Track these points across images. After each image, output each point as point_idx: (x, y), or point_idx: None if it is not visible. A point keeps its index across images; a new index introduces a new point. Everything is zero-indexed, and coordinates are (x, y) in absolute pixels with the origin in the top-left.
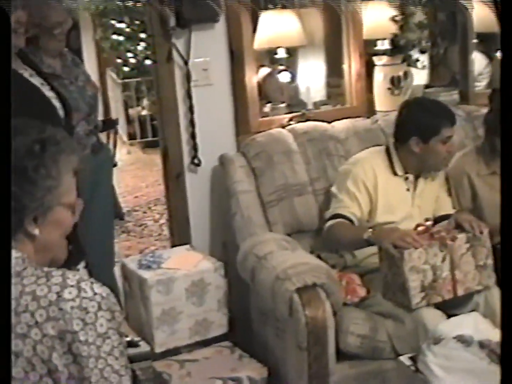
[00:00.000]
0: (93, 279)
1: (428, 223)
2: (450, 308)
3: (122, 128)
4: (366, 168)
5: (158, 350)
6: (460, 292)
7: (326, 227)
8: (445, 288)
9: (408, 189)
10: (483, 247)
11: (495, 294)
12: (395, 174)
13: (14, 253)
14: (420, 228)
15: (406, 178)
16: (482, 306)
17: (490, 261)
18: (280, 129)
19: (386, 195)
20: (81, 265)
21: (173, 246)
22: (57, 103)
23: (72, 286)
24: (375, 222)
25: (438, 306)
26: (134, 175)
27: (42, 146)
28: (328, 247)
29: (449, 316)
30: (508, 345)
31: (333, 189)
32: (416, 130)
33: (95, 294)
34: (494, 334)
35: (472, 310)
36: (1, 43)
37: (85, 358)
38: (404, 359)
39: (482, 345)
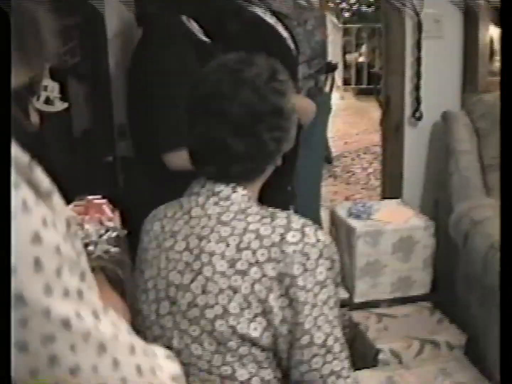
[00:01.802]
0: (317, 226)
1: None
2: None
3: (338, 73)
4: None
5: (357, 300)
6: None
7: None
8: None
9: None
10: None
11: None
12: None
13: (241, 191)
14: None
15: None
16: None
17: None
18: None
19: None
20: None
21: (383, 198)
22: (291, 44)
23: (296, 229)
24: None
25: None
26: (346, 121)
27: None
28: None
29: None
30: (508, 345)
31: None
32: None
33: (318, 240)
34: None
35: None
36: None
37: (301, 303)
38: None
39: None
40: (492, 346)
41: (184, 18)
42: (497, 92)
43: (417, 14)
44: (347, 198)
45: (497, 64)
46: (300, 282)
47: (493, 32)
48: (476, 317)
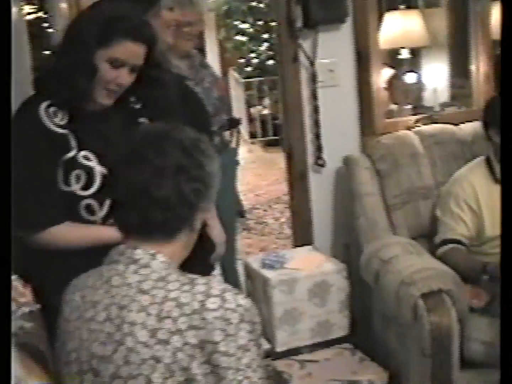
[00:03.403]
0: (237, 290)
1: None
2: None
3: (243, 126)
4: (464, 186)
5: (279, 349)
6: None
7: (439, 253)
8: None
9: None
10: None
11: None
12: (497, 181)
13: (160, 258)
14: None
15: None
16: None
17: None
18: (406, 131)
19: (491, 207)
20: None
21: (295, 246)
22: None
23: (216, 295)
24: (485, 237)
25: None
26: (255, 173)
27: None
28: None
29: None
30: (508, 346)
31: (437, 212)
32: (492, 120)
33: (239, 305)
34: None
35: None
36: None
37: (224, 369)
38: None
39: None
40: (413, 381)
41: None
42: (394, 133)
43: (312, 64)
44: (262, 250)
45: (393, 105)
46: (222, 348)
47: (387, 73)
48: (396, 353)
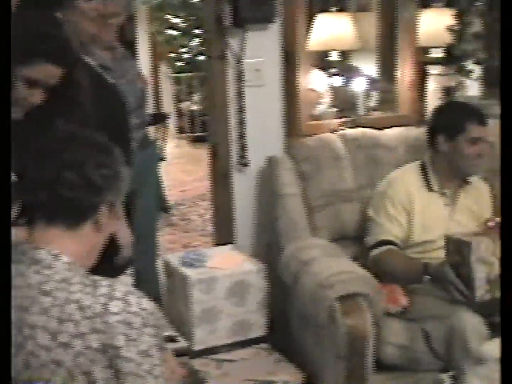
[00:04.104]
0: (141, 293)
1: (498, 219)
2: (495, 315)
3: (172, 121)
4: (400, 188)
5: (196, 348)
6: None
7: (373, 256)
8: None
9: (446, 204)
10: None
11: None
12: (431, 190)
13: (64, 258)
14: (490, 224)
15: (443, 193)
16: None
17: None
18: (330, 134)
19: (422, 213)
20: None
21: (216, 244)
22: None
23: (119, 298)
24: (411, 242)
25: (481, 312)
26: (182, 169)
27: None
28: (377, 276)
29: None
30: (507, 346)
31: (370, 213)
32: (442, 128)
33: (142, 309)
34: None
35: None
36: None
37: (125, 375)
38: (445, 376)
39: None
40: (328, 382)
41: None
42: (319, 135)
43: (239, 63)
44: (185, 246)
45: (318, 107)
46: (123, 353)
47: (315, 75)
48: (312, 355)
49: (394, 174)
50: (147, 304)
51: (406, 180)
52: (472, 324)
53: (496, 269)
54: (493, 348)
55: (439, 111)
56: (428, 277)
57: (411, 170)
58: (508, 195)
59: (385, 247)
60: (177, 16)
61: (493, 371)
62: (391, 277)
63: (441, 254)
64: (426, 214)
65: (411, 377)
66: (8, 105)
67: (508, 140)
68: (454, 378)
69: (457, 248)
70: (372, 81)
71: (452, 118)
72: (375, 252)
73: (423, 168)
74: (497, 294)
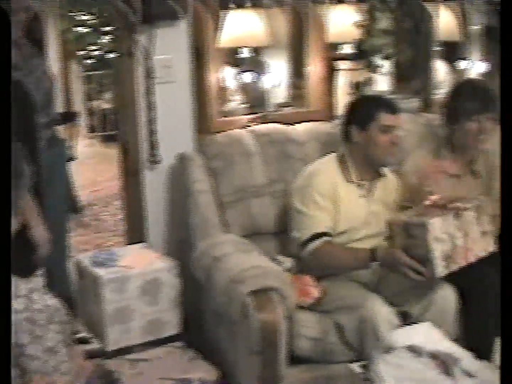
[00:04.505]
0: (46, 290)
1: (435, 196)
2: (405, 304)
3: (83, 121)
4: (324, 178)
5: (110, 348)
6: (471, 259)
7: (311, 250)
8: (460, 256)
9: (363, 196)
10: (485, 214)
11: (450, 292)
12: (350, 181)
13: None
14: (427, 202)
15: (361, 185)
16: (437, 302)
17: (491, 227)
18: (241, 130)
19: (345, 203)
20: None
21: (129, 243)
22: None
23: (22, 296)
24: (337, 231)
25: (392, 302)
26: (93, 168)
27: None
28: (316, 270)
29: (400, 313)
30: (508, 346)
31: (298, 206)
32: (355, 119)
33: (46, 306)
34: (444, 344)
35: (426, 307)
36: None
37: (31, 373)
38: (355, 366)
39: (432, 355)
40: (243, 378)
41: None
42: (229, 131)
43: (148, 60)
44: (97, 247)
45: (229, 104)
46: (29, 350)
47: (227, 72)
48: (226, 351)
49: (314, 166)
50: (51, 301)
51: (328, 171)
52: (382, 313)
53: (448, 244)
54: (401, 335)
55: (351, 104)
56: (375, 263)
57: (330, 161)
58: (508, 195)
59: (321, 240)
60: (87, 13)
61: (402, 358)
62: (333, 269)
63: (362, 244)
64: (347, 203)
65: (325, 369)
66: (8, 105)
67: (508, 140)
68: (364, 367)
69: (409, 231)
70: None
71: (363, 109)
72: (312, 246)
73: (341, 160)
74: (453, 267)
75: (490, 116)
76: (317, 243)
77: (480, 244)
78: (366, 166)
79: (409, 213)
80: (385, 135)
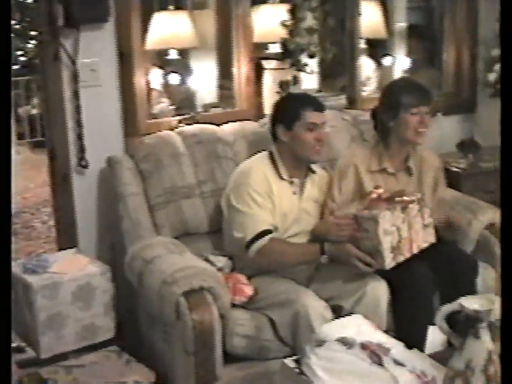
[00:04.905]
0: None
1: (380, 190)
2: (338, 298)
3: (11, 127)
4: (259, 176)
5: (44, 356)
6: (415, 250)
7: (257, 249)
8: (406, 248)
9: (294, 193)
10: (426, 207)
11: (381, 285)
12: (281, 178)
13: None
14: (374, 195)
15: (292, 182)
16: (369, 295)
17: (431, 220)
18: (169, 132)
19: (279, 199)
20: None
21: (60, 249)
22: None
23: None
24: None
25: (324, 296)
26: (23, 175)
27: None
28: (264, 269)
29: (333, 307)
30: (507, 346)
31: (237, 206)
32: (281, 118)
33: None
34: (375, 336)
35: (358, 300)
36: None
37: None
38: (289, 361)
39: (363, 346)
40: (179, 379)
41: None
42: (157, 133)
43: (73, 64)
44: (29, 254)
45: (158, 106)
46: None
47: (155, 74)
48: (162, 353)
49: (246, 165)
50: None
51: (260, 169)
52: (315, 308)
53: (395, 236)
54: (332, 329)
55: (276, 103)
56: (326, 256)
57: (262, 159)
58: (508, 195)
59: (267, 238)
60: (12, 18)
61: (333, 351)
62: (282, 265)
63: (293, 240)
64: (281, 201)
65: (260, 366)
66: (8, 106)
67: (508, 140)
68: (297, 362)
69: (358, 224)
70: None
71: (289, 108)
72: (258, 244)
73: (272, 158)
74: (400, 258)
75: (428, 109)
76: (262, 242)
77: (423, 235)
78: (295, 164)
79: (357, 206)
80: (311, 133)
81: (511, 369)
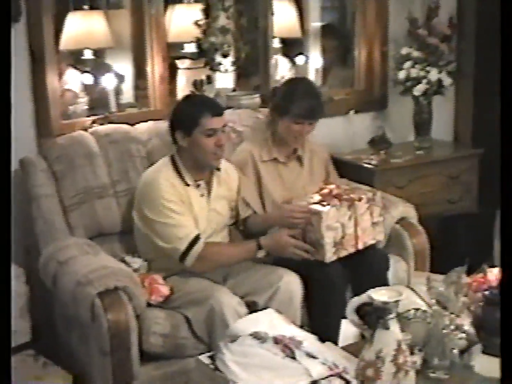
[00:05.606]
0: None
1: (331, 186)
2: (253, 294)
3: None
4: (167, 184)
5: None
6: (360, 246)
7: (194, 257)
8: (350, 243)
9: (202, 195)
10: (377, 206)
11: (295, 280)
12: (186, 184)
13: None
14: (324, 191)
15: (198, 186)
16: (282, 290)
17: (381, 218)
18: (82, 132)
19: (189, 205)
20: None
21: None
22: None
23: None
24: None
25: (239, 293)
26: None
27: None
28: (203, 272)
29: (247, 303)
30: (507, 346)
31: (158, 219)
32: (179, 124)
33: None
34: (287, 329)
35: (272, 295)
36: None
37: None
38: (204, 358)
39: (276, 340)
40: (96, 380)
41: None
42: (71, 134)
43: None
44: None
45: (72, 106)
46: None
47: (70, 74)
48: (79, 355)
49: (151, 174)
50: None
51: (165, 177)
52: (230, 304)
53: (339, 232)
54: (245, 324)
55: (174, 109)
56: (262, 251)
57: (164, 166)
58: (508, 194)
59: (201, 243)
60: None
61: (247, 346)
62: (222, 266)
63: (212, 240)
64: (192, 206)
65: (177, 364)
66: (8, 106)
67: (508, 140)
68: (212, 358)
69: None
70: (121, 78)
71: (186, 114)
72: (193, 253)
73: (174, 163)
74: (342, 253)
75: (313, 122)
76: (198, 248)
77: (370, 233)
78: (197, 168)
79: (308, 200)
80: (210, 138)
81: (511, 369)
